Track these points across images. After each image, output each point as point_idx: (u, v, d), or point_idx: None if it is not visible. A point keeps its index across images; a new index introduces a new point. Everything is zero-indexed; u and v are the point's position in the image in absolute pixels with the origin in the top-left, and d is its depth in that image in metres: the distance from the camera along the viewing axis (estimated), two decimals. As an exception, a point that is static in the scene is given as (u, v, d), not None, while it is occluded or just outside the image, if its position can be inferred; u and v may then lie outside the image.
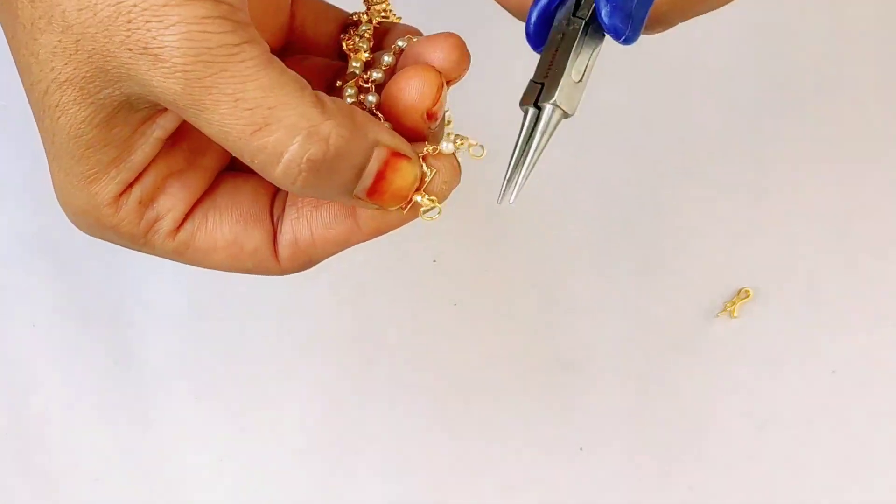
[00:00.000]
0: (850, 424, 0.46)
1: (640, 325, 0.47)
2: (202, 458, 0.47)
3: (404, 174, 0.30)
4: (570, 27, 0.32)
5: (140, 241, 0.31)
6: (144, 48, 0.26)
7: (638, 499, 0.46)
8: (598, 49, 0.33)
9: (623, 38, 0.32)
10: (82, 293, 0.48)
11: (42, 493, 0.47)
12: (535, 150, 0.32)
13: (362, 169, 0.29)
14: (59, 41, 0.27)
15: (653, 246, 0.48)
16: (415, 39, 0.33)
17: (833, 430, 0.46)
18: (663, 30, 0.33)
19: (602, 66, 0.49)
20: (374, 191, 0.29)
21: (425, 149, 0.31)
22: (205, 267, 0.32)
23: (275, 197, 0.33)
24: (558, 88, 0.32)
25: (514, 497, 0.46)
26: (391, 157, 0.29)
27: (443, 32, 0.32)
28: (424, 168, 0.30)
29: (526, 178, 0.32)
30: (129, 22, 0.26)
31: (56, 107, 0.28)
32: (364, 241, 0.32)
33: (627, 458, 0.47)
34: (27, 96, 0.29)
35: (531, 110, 0.32)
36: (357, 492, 0.47)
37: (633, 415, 0.47)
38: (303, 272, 0.34)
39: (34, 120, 0.30)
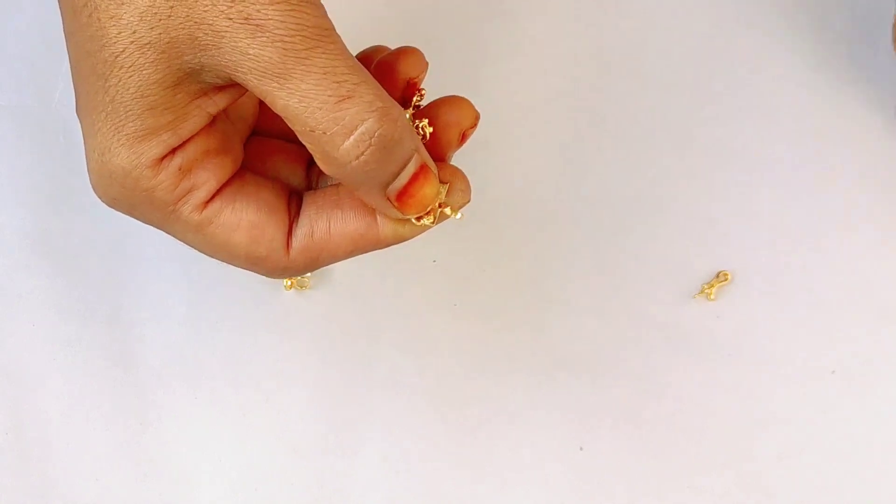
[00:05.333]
0: (850, 424, 0.46)
1: (640, 324, 0.47)
2: (202, 458, 0.47)
3: (431, 184, 0.33)
4: None
5: (168, 209, 0.32)
6: (246, 18, 0.29)
7: (638, 499, 0.46)
8: None
9: None
10: (82, 293, 0.48)
11: (42, 493, 0.47)
12: None
13: (404, 166, 0.32)
14: (151, 6, 0.30)
15: (652, 244, 0.48)
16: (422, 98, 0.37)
17: (833, 430, 0.46)
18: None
19: (589, 65, 0.49)
20: (404, 193, 0.32)
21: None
22: (217, 248, 0.34)
23: (290, 198, 0.35)
24: None
25: (514, 497, 0.46)
26: (423, 166, 0.33)
27: (458, 96, 0.35)
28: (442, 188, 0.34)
29: None
30: None
31: (130, 67, 0.30)
32: (373, 247, 0.35)
33: (627, 458, 0.47)
34: (84, 59, 0.31)
35: None
36: (357, 491, 0.47)
37: (633, 415, 0.47)
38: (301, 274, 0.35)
39: (82, 83, 0.31)
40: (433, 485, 0.47)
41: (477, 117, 0.35)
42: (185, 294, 0.48)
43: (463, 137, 0.35)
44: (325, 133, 0.30)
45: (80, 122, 0.32)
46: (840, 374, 0.47)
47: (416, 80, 0.36)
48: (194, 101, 0.31)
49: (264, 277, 0.48)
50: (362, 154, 0.31)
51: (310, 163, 0.37)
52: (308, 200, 0.35)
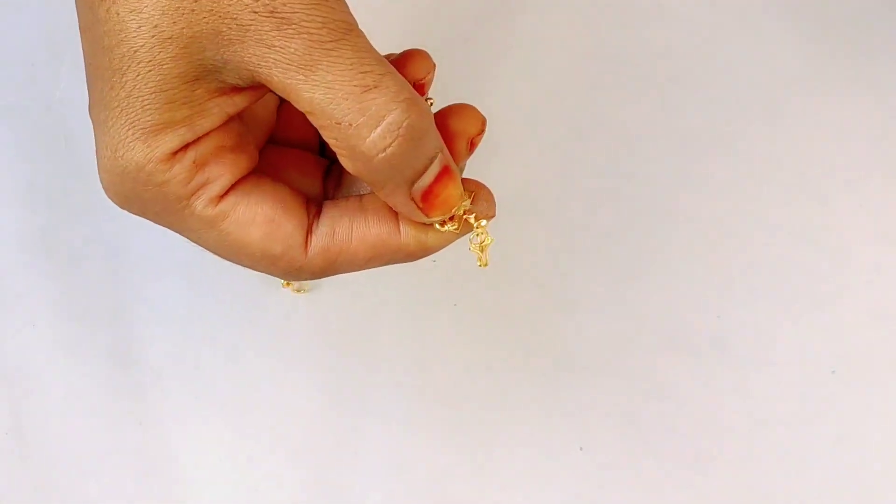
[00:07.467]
0: (850, 424, 0.46)
1: (640, 324, 0.47)
2: (202, 458, 0.47)
3: (455, 185, 0.32)
4: None
5: (181, 203, 0.32)
6: (272, 11, 0.29)
7: (638, 499, 0.46)
8: None
9: None
10: (82, 293, 0.48)
11: (42, 493, 0.47)
12: None
13: (429, 162, 0.31)
14: (173, 0, 0.29)
15: (652, 244, 0.48)
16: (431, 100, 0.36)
17: (833, 430, 0.46)
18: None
19: (591, 65, 0.49)
20: (429, 193, 0.32)
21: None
22: (231, 245, 0.33)
23: (308, 203, 0.34)
24: None
25: (514, 497, 0.46)
26: (447, 167, 0.32)
27: (463, 104, 0.35)
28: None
29: None
30: None
31: (150, 61, 0.30)
32: (394, 255, 0.34)
33: (627, 458, 0.47)
34: (101, 55, 0.31)
35: None
36: (357, 492, 0.47)
37: (633, 415, 0.47)
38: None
39: (97, 80, 0.31)
40: (433, 485, 0.47)
41: (484, 123, 0.35)
42: (185, 294, 0.48)
43: (472, 146, 0.35)
44: (350, 125, 0.30)
45: (93, 120, 0.32)
46: (840, 374, 0.47)
47: (423, 81, 0.35)
48: (213, 98, 0.31)
49: (264, 276, 0.48)
50: (389, 146, 0.30)
51: (327, 173, 0.37)
52: (329, 205, 0.34)
